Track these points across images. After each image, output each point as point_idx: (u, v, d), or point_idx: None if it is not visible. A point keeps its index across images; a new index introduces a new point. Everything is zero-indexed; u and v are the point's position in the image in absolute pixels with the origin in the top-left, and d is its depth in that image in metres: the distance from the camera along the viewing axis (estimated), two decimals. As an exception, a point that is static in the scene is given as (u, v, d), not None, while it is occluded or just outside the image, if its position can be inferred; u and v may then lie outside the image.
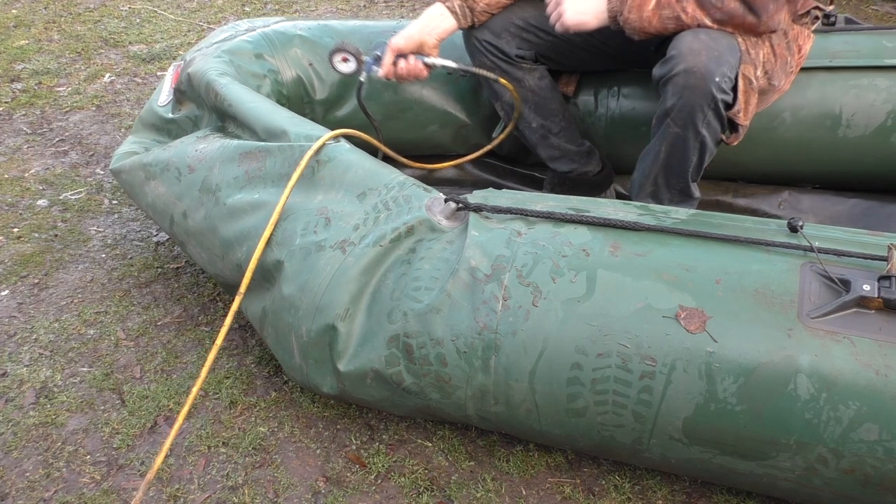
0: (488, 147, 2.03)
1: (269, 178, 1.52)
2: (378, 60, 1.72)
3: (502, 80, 1.80)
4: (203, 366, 1.40)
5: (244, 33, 2.00)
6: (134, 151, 1.86)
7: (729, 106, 1.55)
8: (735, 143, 1.64)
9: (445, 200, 1.43)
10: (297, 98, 2.02)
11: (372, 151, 1.67)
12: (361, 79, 1.75)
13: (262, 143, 1.56)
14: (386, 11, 3.84)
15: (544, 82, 1.85)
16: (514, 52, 1.78)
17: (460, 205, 1.41)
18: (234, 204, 1.53)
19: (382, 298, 1.34)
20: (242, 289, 1.44)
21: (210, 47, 1.94)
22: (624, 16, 1.55)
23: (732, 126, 1.60)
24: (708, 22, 1.52)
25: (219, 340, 1.39)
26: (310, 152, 1.47)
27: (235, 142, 1.62)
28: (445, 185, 2.18)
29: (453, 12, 1.73)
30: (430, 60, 1.73)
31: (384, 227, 1.39)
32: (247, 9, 3.84)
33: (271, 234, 1.45)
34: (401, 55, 1.72)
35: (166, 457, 1.47)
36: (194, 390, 1.36)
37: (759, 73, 1.58)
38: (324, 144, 1.50)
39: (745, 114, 1.58)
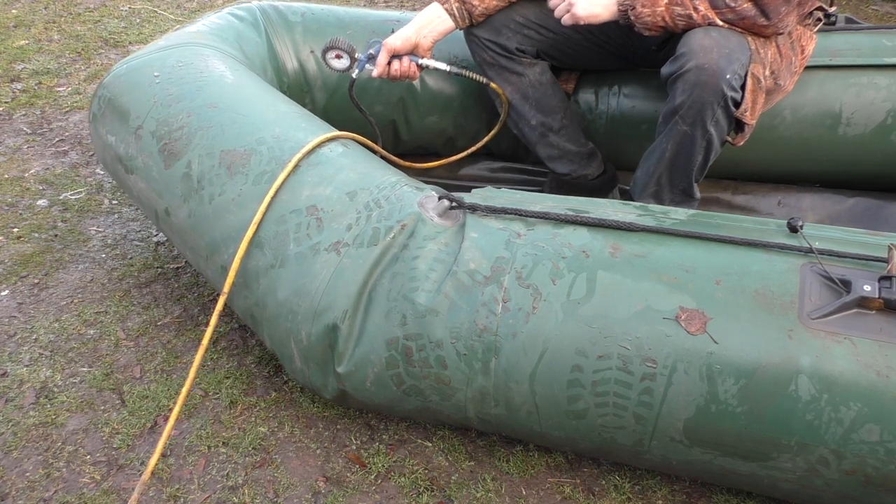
0: (476, 147, 2.03)
1: (252, 176, 1.47)
2: (372, 59, 1.74)
3: (493, 85, 1.81)
4: (192, 365, 1.40)
5: (245, 14, 1.99)
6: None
7: (737, 104, 1.55)
8: (741, 144, 1.64)
9: (439, 198, 1.42)
10: (297, 87, 2.01)
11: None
12: (354, 76, 1.77)
13: (246, 142, 1.51)
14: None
15: (545, 77, 1.84)
16: (515, 45, 1.78)
17: (453, 203, 1.40)
18: (218, 203, 1.48)
19: (379, 300, 1.34)
20: (226, 288, 1.42)
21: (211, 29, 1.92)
22: (636, 10, 1.55)
23: (739, 126, 1.60)
24: (719, 22, 1.52)
25: (205, 341, 1.39)
26: (299, 154, 1.46)
27: (218, 136, 1.53)
28: (444, 185, 2.17)
29: (451, 15, 1.73)
30: (423, 62, 1.75)
31: (377, 226, 1.37)
32: (246, 7, 3.83)
33: (260, 237, 1.42)
34: (395, 56, 1.72)
35: (166, 457, 1.47)
36: (184, 391, 1.36)
37: (767, 72, 1.58)
38: (313, 148, 1.48)
39: (752, 113, 1.58)
